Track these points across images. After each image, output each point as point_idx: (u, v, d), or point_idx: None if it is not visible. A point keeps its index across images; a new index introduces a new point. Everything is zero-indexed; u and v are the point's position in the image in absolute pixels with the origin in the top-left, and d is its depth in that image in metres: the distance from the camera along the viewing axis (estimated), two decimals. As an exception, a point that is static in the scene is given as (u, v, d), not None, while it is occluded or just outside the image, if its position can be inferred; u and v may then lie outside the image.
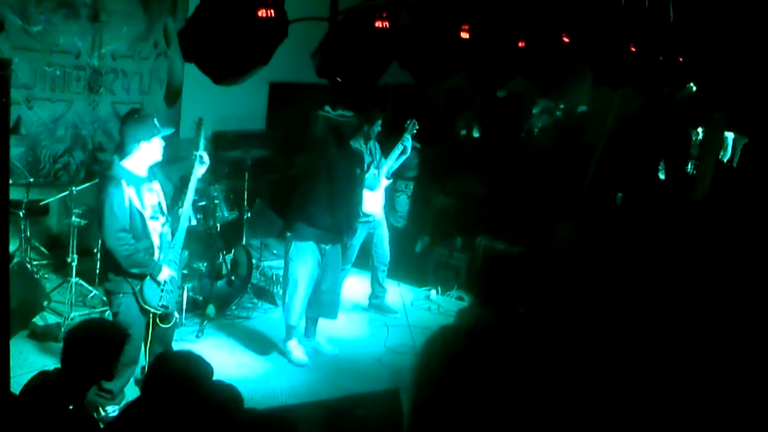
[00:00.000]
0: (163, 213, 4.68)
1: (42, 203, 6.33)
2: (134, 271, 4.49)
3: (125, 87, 7.28)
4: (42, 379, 3.19)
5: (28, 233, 6.21)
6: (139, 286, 4.54)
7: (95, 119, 7.16)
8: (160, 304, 4.62)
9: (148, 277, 4.55)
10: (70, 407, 3.11)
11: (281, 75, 7.35)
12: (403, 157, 6.77)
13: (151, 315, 4.68)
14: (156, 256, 4.60)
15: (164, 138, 4.58)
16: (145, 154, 4.50)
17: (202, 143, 4.82)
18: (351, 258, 6.73)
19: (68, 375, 3.15)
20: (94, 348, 3.18)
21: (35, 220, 6.52)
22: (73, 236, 6.04)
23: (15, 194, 6.15)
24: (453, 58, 4.49)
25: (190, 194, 4.75)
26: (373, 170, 6.55)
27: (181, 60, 6.91)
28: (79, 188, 6.12)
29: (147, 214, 4.52)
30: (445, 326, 2.01)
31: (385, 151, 6.68)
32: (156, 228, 4.62)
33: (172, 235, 4.73)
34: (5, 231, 3.10)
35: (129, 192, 4.40)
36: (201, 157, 4.73)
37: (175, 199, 4.84)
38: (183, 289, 4.87)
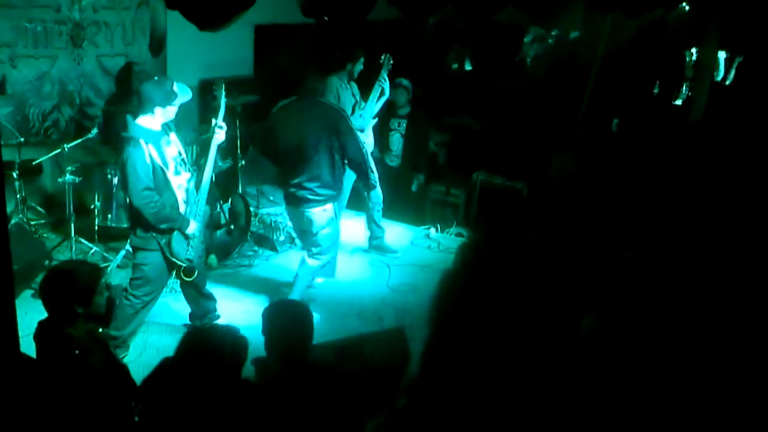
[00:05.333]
0: (185, 166, 4.73)
1: (35, 162, 6.28)
2: (163, 226, 4.58)
3: (108, 39, 7.14)
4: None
5: (24, 193, 6.18)
6: (165, 240, 4.63)
7: (81, 74, 7.05)
8: (186, 258, 4.71)
9: (176, 231, 4.63)
10: (76, 352, 3.25)
11: (266, 17, 7.21)
12: (384, 98, 6.65)
13: (175, 269, 4.80)
14: (182, 211, 4.67)
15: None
16: (159, 116, 4.54)
17: (222, 112, 4.84)
18: (342, 203, 6.72)
19: (53, 316, 3.37)
20: (61, 282, 3.36)
21: (29, 179, 6.48)
22: (68, 194, 6.01)
23: (7, 155, 6.11)
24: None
25: (211, 160, 4.80)
26: (358, 111, 6.47)
27: (163, 8, 6.77)
28: (70, 145, 6.06)
29: (170, 168, 4.57)
30: (449, 268, 2.02)
31: (366, 93, 6.58)
32: (181, 183, 4.67)
33: (197, 189, 4.79)
34: (2, 192, 3.09)
35: (149, 149, 4.43)
36: (221, 127, 4.81)
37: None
38: (205, 243, 4.98)
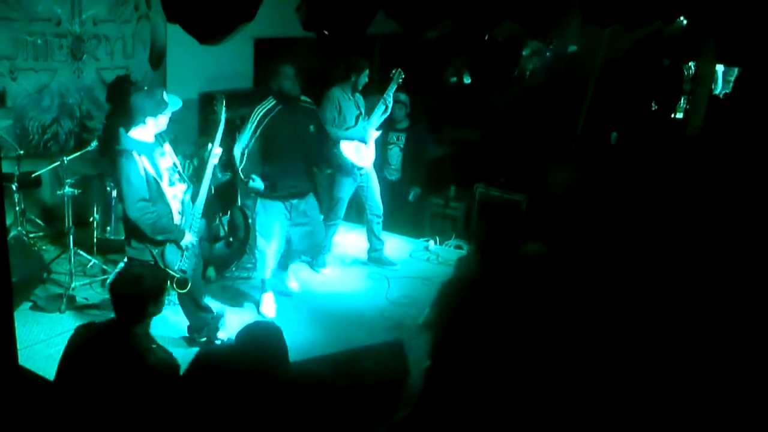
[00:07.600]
0: (180, 176, 4.75)
1: (34, 175, 6.28)
2: (160, 237, 4.60)
3: (109, 52, 7.18)
4: (91, 330, 3.48)
5: (23, 206, 6.18)
6: (159, 251, 4.65)
7: (81, 87, 7.08)
8: (178, 268, 4.73)
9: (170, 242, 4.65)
10: (153, 346, 3.42)
11: (266, 30, 7.23)
12: (385, 115, 6.63)
13: (168, 280, 4.78)
14: (176, 221, 4.69)
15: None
16: (151, 126, 4.58)
17: (221, 128, 4.89)
18: (339, 213, 6.72)
19: (122, 318, 3.46)
20: (138, 290, 3.47)
21: (28, 192, 6.49)
22: (67, 206, 6.01)
23: (6, 167, 6.12)
24: (439, 3, 4.41)
25: (208, 176, 4.83)
26: (361, 123, 6.48)
27: (163, 21, 6.78)
28: (69, 158, 6.07)
29: (164, 179, 4.60)
30: (449, 279, 2.01)
31: (372, 104, 6.58)
32: (176, 194, 4.69)
33: (193, 201, 4.81)
34: (1, 204, 3.11)
35: (142, 161, 4.46)
36: (216, 150, 4.88)
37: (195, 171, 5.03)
38: (200, 255, 5.03)
